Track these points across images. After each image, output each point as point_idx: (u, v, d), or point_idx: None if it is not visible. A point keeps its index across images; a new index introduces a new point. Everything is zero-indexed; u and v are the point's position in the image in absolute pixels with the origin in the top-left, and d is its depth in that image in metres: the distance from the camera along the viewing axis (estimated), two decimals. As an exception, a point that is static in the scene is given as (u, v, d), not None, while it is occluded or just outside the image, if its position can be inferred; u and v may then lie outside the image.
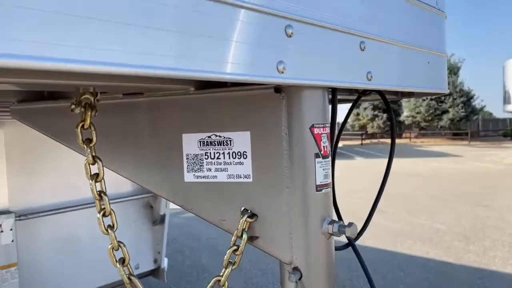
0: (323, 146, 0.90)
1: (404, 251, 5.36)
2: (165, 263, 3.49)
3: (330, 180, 0.94)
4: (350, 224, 0.91)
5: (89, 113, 0.86)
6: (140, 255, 3.35)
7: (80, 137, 0.87)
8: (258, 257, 5.16)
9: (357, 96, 1.35)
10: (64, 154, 2.79)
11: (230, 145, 0.94)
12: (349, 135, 35.58)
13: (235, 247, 0.92)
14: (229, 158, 0.94)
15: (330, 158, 0.93)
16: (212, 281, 0.92)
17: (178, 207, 1.03)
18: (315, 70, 0.83)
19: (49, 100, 1.09)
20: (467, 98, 31.90)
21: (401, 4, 1.13)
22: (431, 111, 31.76)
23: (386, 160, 1.60)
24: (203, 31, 0.62)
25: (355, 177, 12.49)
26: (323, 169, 0.90)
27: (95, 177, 0.91)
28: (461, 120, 31.28)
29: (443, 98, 31.41)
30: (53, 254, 2.78)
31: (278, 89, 0.87)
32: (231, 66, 0.67)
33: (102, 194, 0.93)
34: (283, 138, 0.89)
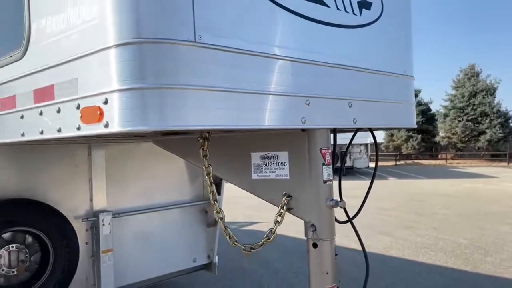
0: (327, 159, 1.69)
1: (425, 261, 5.88)
2: (216, 259, 4.28)
3: (331, 178, 1.72)
4: (341, 201, 1.68)
5: (206, 142, 1.69)
6: (197, 251, 4.17)
7: (201, 155, 1.70)
8: (291, 261, 5.87)
9: (355, 129, 2.13)
10: (144, 170, 3.70)
11: (277, 159, 1.74)
12: (384, 156, 35.51)
13: (280, 213, 1.71)
14: (277, 166, 1.74)
15: (331, 166, 1.72)
16: (267, 231, 1.71)
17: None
18: (322, 120, 1.63)
19: (180, 135, 1.94)
20: (505, 119, 31.33)
21: (376, 76, 1.92)
22: (467, 132, 31.36)
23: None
24: (273, 107, 1.44)
25: (386, 196, 12.89)
26: (327, 172, 1.69)
27: (209, 176, 1.73)
28: (499, 141, 30.65)
29: (479, 119, 31.02)
30: (135, 244, 3.64)
31: (303, 129, 1.67)
32: (280, 121, 1.49)
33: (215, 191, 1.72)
34: (305, 155, 1.69)
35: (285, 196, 1.70)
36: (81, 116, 1.31)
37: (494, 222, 8.40)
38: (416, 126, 2.16)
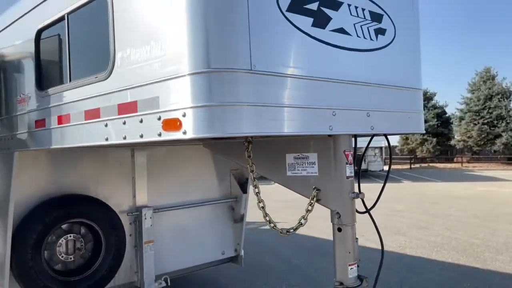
0: (349, 159, 2.07)
1: (438, 258, 6.17)
2: (242, 252, 4.67)
3: (353, 174, 2.10)
4: (361, 193, 2.06)
5: (250, 145, 2.09)
6: (225, 245, 4.56)
7: (246, 156, 2.10)
8: (311, 258, 6.23)
9: (372, 135, 2.50)
10: (179, 171, 4.12)
11: (308, 159, 2.13)
12: (398, 159, 35.48)
13: (310, 203, 2.10)
14: (307, 164, 2.13)
15: (353, 165, 2.10)
16: (299, 218, 2.10)
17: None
18: (345, 128, 2.01)
19: (227, 139, 2.34)
20: (521, 122, 31.08)
21: (390, 90, 2.29)
22: (483, 136, 31.19)
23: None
24: (307, 118, 1.83)
25: (400, 199, 13.11)
26: (349, 170, 2.07)
27: (253, 173, 2.12)
28: (516, 144, 30.42)
29: (495, 122, 30.82)
30: (172, 237, 4.06)
31: (330, 135, 2.06)
32: (312, 129, 1.88)
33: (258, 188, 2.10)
34: (332, 156, 2.07)
35: (315, 190, 2.09)
36: (163, 126, 1.72)
37: (506, 223, 8.60)
38: (424, 131, 2.52)
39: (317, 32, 1.89)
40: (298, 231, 5.38)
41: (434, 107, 35.92)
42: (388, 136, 2.55)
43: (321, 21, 1.91)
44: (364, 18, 2.13)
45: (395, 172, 25.95)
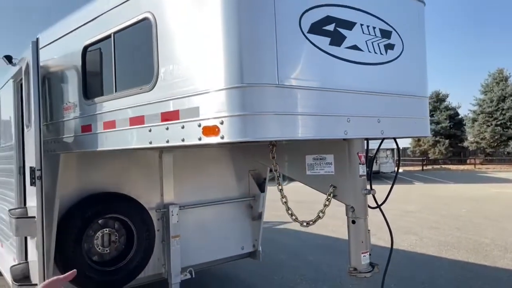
0: (362, 160, 2.35)
1: (448, 257, 6.39)
2: (260, 248, 4.96)
3: (365, 173, 2.38)
4: (372, 190, 2.34)
5: (274, 148, 2.39)
6: (244, 240, 4.86)
7: (271, 157, 2.39)
8: (325, 254, 6.49)
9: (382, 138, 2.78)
10: (202, 171, 4.44)
11: (325, 160, 2.42)
12: (410, 161, 35.40)
13: (328, 199, 2.38)
14: (325, 165, 2.42)
15: (365, 165, 2.38)
16: (317, 212, 2.38)
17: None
18: (358, 132, 2.29)
19: (255, 143, 2.64)
20: (535, 123, 30.82)
21: (398, 98, 2.56)
22: (496, 137, 30.99)
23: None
24: (325, 124, 2.12)
25: (411, 200, 13.27)
26: (362, 169, 2.35)
27: (277, 174, 2.41)
28: (530, 146, 30.18)
29: (508, 123, 30.60)
30: (196, 232, 4.37)
31: (345, 139, 2.34)
32: (329, 133, 2.16)
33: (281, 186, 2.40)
34: (346, 157, 2.36)
35: (331, 187, 2.37)
36: (203, 131, 2.03)
37: (517, 224, 8.75)
38: (430, 135, 2.79)
39: (333, 49, 2.18)
40: (311, 231, 5.65)
41: (447, 108, 35.78)
42: (397, 139, 2.81)
43: (337, 40, 2.20)
44: (375, 35, 2.41)
45: (406, 174, 26.00)
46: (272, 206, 5.61)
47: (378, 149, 2.96)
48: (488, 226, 8.61)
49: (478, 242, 7.21)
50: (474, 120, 33.68)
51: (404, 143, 37.65)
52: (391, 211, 10.53)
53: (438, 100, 36.21)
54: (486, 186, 17.50)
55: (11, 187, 4.66)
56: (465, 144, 34.32)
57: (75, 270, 1.17)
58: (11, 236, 4.67)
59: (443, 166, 32.23)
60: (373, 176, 12.14)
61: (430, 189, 16.81)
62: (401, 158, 36.40)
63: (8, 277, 4.26)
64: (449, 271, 5.67)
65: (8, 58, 4.36)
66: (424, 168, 30.68)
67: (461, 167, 31.30)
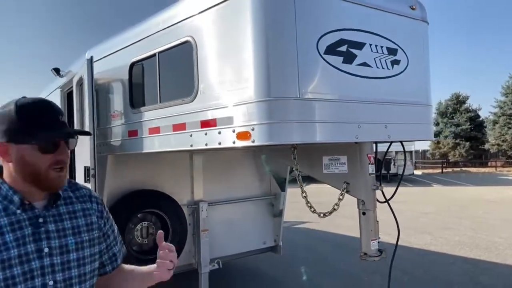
0: (371, 160, 2.74)
1: (461, 255, 6.65)
2: (280, 242, 5.37)
3: (374, 172, 2.77)
4: (380, 186, 2.73)
5: (295, 150, 2.80)
6: (266, 235, 5.27)
7: (292, 157, 2.81)
8: (339, 251, 6.83)
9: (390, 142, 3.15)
10: (228, 171, 4.87)
11: (339, 160, 2.81)
12: (430, 163, 35.15)
13: (341, 194, 2.77)
14: (339, 164, 2.82)
15: (374, 164, 2.76)
16: (333, 205, 2.78)
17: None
18: (368, 137, 2.68)
19: (280, 146, 3.06)
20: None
21: (404, 106, 2.94)
22: (518, 139, 30.57)
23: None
24: (339, 130, 2.53)
25: (429, 202, 13.44)
26: (371, 168, 2.73)
27: (298, 173, 2.82)
28: (553, 148, 29.62)
29: (530, 125, 30.16)
30: (223, 227, 4.80)
31: (356, 142, 2.73)
32: (343, 138, 2.57)
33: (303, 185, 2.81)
34: (358, 158, 2.75)
35: (345, 183, 2.77)
36: (236, 136, 2.46)
37: (533, 225, 8.89)
38: (433, 138, 3.15)
39: (346, 67, 2.58)
40: (329, 230, 6.09)
41: (467, 110, 35.42)
42: (409, 142, 3.19)
43: (349, 58, 2.59)
44: (382, 53, 2.80)
45: (426, 177, 25.93)
46: (290, 207, 6.03)
47: (387, 151, 3.33)
48: (504, 227, 8.78)
49: (491, 241, 7.43)
50: (495, 122, 33.25)
51: (423, 145, 37.37)
52: (408, 212, 10.84)
53: (458, 102, 35.87)
54: (506, 188, 17.42)
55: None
56: (486, 146, 33.88)
57: (161, 231, 1.42)
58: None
59: (463, 168, 31.90)
60: (391, 178, 12.69)
61: (448, 192, 16.87)
62: (420, 160, 36.20)
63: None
64: (461, 266, 5.96)
65: (57, 71, 4.93)
66: (444, 170, 30.44)
67: (482, 169, 30.95)
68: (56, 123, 1.20)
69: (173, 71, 3.06)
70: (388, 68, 2.82)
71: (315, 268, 6.00)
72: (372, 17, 2.76)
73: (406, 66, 2.95)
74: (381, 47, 2.79)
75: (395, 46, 2.88)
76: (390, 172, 21.11)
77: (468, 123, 34.08)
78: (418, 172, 30.08)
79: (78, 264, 1.23)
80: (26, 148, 1.16)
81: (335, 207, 2.77)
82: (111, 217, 1.44)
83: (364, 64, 2.68)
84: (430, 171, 31.00)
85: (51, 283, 1.16)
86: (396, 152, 21.17)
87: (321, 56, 2.46)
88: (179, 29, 2.89)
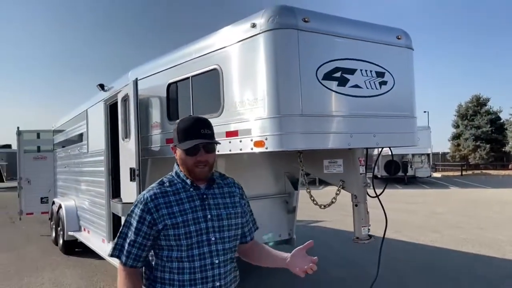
0: (362, 163, 3.41)
1: (462, 250, 7.18)
2: (294, 236, 6.04)
3: (365, 171, 3.44)
4: (369, 183, 3.40)
5: (301, 154, 3.50)
6: (281, 230, 5.96)
7: (299, 160, 3.51)
8: (348, 246, 7.45)
9: (380, 148, 3.81)
10: (247, 172, 5.58)
11: (336, 163, 3.50)
12: (450, 166, 35.05)
13: (338, 189, 3.45)
14: (336, 166, 3.50)
15: (364, 166, 3.43)
16: (331, 198, 3.46)
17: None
18: (359, 144, 3.36)
19: (288, 151, 3.77)
20: None
21: (390, 119, 3.59)
22: (539, 141, 30.22)
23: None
24: (335, 139, 3.22)
25: (443, 203, 13.82)
26: (362, 169, 3.40)
27: (303, 173, 3.52)
28: None
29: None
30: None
31: (349, 149, 3.40)
32: (338, 145, 3.25)
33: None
34: (351, 161, 3.43)
35: (341, 181, 3.45)
36: (254, 144, 3.17)
37: (538, 224, 9.26)
38: (416, 144, 3.79)
39: (340, 89, 3.26)
40: (340, 228, 6.90)
41: (488, 112, 35.18)
42: (401, 148, 3.84)
43: (342, 82, 3.27)
44: (371, 76, 3.46)
45: (444, 179, 26.04)
46: (306, 208, 6.70)
47: (393, 155, 3.99)
48: (510, 227, 9.19)
49: (495, 239, 7.91)
50: (516, 124, 32.94)
51: (442, 147, 37.23)
52: (421, 212, 11.36)
53: (478, 105, 35.68)
54: (523, 190, 17.54)
55: (100, 185, 6.05)
56: (507, 148, 33.57)
57: (311, 241, 1.78)
58: (100, 223, 6.06)
59: (483, 171, 31.74)
60: (409, 180, 13.57)
61: (464, 194, 17.13)
62: (440, 163, 36.10)
63: (103, 250, 5.62)
64: (460, 258, 6.52)
65: (101, 86, 5.77)
66: (464, 173, 30.40)
67: (502, 172, 30.72)
68: (197, 134, 1.68)
69: (203, 91, 3.81)
70: (376, 88, 3.49)
71: (326, 259, 6.64)
72: (362, 47, 3.43)
73: (393, 86, 3.61)
74: (370, 71, 3.46)
75: (382, 70, 3.54)
76: (407, 174, 21.49)
77: (489, 125, 33.87)
78: (437, 174, 30.13)
79: (228, 229, 1.73)
80: (180, 151, 1.74)
81: (333, 199, 3.45)
82: (248, 200, 1.97)
83: (356, 86, 3.36)
84: (450, 173, 30.98)
85: (213, 238, 1.69)
86: (413, 155, 21.53)
87: (320, 82, 3.16)
88: (208, 59, 3.64)
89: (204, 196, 1.73)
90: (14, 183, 27.88)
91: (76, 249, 7.52)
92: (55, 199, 8.80)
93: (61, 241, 7.70)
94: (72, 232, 7.32)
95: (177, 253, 1.66)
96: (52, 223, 8.70)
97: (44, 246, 8.32)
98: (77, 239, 7.31)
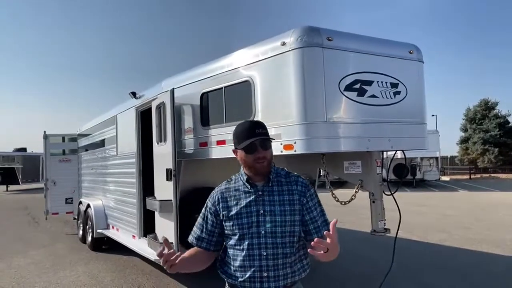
0: (378, 164, 3.84)
1: (470, 248, 7.54)
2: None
3: (381, 172, 3.86)
4: (385, 182, 3.82)
5: (324, 156, 3.93)
6: (299, 227, 6.38)
7: (322, 162, 3.95)
8: (363, 245, 7.81)
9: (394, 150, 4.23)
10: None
11: (355, 164, 3.93)
12: (458, 169, 35.17)
13: (357, 188, 3.88)
14: (356, 167, 3.93)
15: (381, 167, 3.86)
16: (351, 196, 3.89)
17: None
18: (375, 147, 3.78)
19: (314, 154, 4.21)
20: None
21: (403, 125, 4.02)
22: (549, 145, 30.26)
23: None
24: (355, 143, 3.66)
25: (452, 205, 14.12)
26: (378, 170, 3.83)
27: (326, 173, 3.96)
28: None
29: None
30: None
31: (367, 151, 3.83)
32: (358, 147, 3.69)
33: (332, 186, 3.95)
34: (369, 162, 3.86)
35: (359, 180, 3.87)
36: (283, 147, 3.62)
37: (544, 225, 9.56)
38: (427, 148, 4.21)
39: (359, 98, 3.69)
40: (357, 228, 7.39)
41: (496, 116, 35.28)
42: (409, 150, 4.27)
43: (361, 92, 3.71)
44: (387, 87, 3.89)
45: (453, 182, 26.24)
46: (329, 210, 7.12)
47: (405, 158, 4.40)
48: (517, 227, 9.51)
49: (501, 238, 8.25)
50: (525, 128, 33.01)
51: (451, 151, 37.36)
52: (430, 214, 11.71)
53: (487, 108, 35.80)
54: (531, 194, 17.73)
55: (130, 185, 6.53)
56: (517, 152, 33.64)
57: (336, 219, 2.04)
58: (130, 221, 6.53)
59: (492, 175, 31.83)
60: (417, 183, 14.06)
61: (473, 196, 17.38)
62: (449, 166, 36.21)
63: (135, 246, 6.09)
64: (465, 255, 6.89)
65: (133, 94, 6.27)
66: (472, 176, 30.53)
67: (511, 175, 30.82)
68: (253, 134, 1.83)
69: (235, 100, 4.27)
70: (391, 98, 3.92)
71: (340, 256, 7.03)
72: (378, 61, 3.87)
73: (406, 95, 4.04)
74: (386, 82, 3.89)
75: (396, 81, 3.97)
76: (416, 177, 21.77)
77: (497, 129, 33.97)
78: (446, 178, 30.31)
79: (280, 224, 1.81)
80: (240, 152, 1.89)
81: (353, 197, 3.88)
82: (316, 199, 1.93)
83: (373, 96, 3.80)
84: (459, 177, 31.14)
85: (263, 232, 1.81)
86: (422, 158, 21.81)
87: (341, 92, 3.60)
88: (240, 72, 4.10)
89: (259, 192, 1.87)
90: (29, 185, 28.77)
91: (103, 246, 7.98)
92: (82, 199, 9.31)
93: (89, 239, 8.18)
94: (101, 230, 7.81)
95: (233, 241, 1.87)
96: (79, 221, 9.20)
97: (72, 244, 8.81)
98: (104, 237, 7.79)
